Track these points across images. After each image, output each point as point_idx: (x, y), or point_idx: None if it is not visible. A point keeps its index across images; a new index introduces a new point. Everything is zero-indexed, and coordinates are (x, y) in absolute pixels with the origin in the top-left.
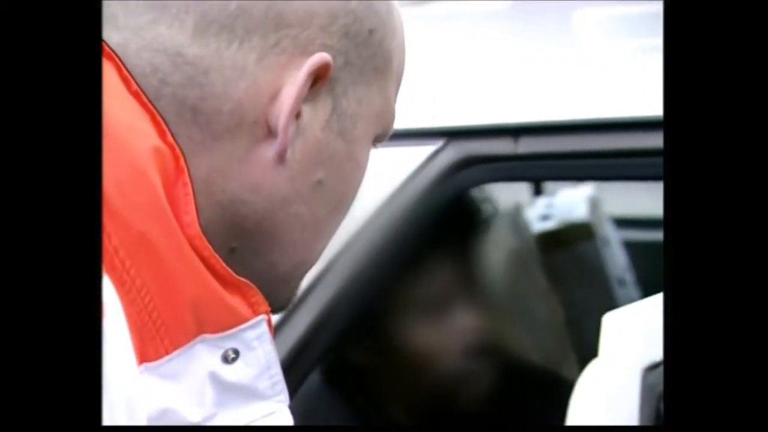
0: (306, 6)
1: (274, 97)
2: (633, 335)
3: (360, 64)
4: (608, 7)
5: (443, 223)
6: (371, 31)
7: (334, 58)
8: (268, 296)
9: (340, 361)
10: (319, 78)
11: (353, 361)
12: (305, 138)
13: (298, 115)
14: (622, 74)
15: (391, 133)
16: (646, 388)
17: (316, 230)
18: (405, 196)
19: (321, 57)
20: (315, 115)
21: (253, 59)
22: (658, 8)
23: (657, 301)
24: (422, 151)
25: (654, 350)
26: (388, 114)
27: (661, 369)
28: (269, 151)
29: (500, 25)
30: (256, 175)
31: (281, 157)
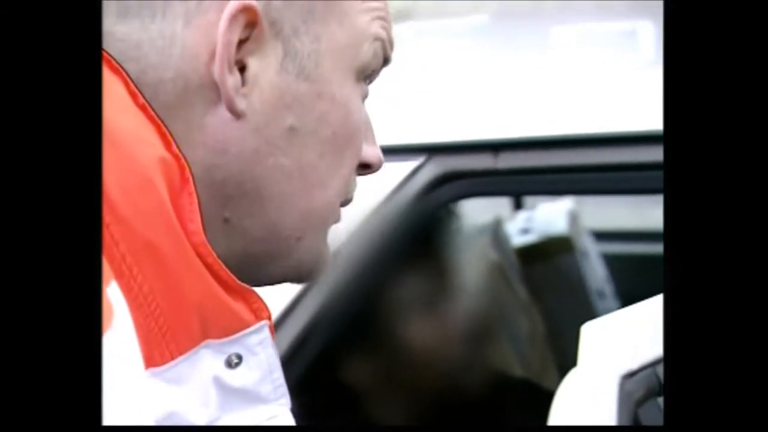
0: None
1: (213, 55)
2: (610, 345)
3: (304, 1)
4: (585, 24)
5: (425, 236)
6: None
7: (267, 0)
8: (290, 262)
9: (325, 374)
10: (252, 24)
11: (337, 374)
12: (260, 87)
13: (244, 68)
14: (599, 90)
15: (379, 63)
16: (623, 396)
17: (307, 177)
18: (388, 211)
19: (236, 2)
20: (265, 62)
21: (180, 25)
22: (635, 26)
23: (633, 311)
24: (404, 167)
25: (631, 359)
26: (363, 43)
27: (637, 377)
28: (224, 110)
29: (479, 41)
30: (219, 137)
31: (234, 111)
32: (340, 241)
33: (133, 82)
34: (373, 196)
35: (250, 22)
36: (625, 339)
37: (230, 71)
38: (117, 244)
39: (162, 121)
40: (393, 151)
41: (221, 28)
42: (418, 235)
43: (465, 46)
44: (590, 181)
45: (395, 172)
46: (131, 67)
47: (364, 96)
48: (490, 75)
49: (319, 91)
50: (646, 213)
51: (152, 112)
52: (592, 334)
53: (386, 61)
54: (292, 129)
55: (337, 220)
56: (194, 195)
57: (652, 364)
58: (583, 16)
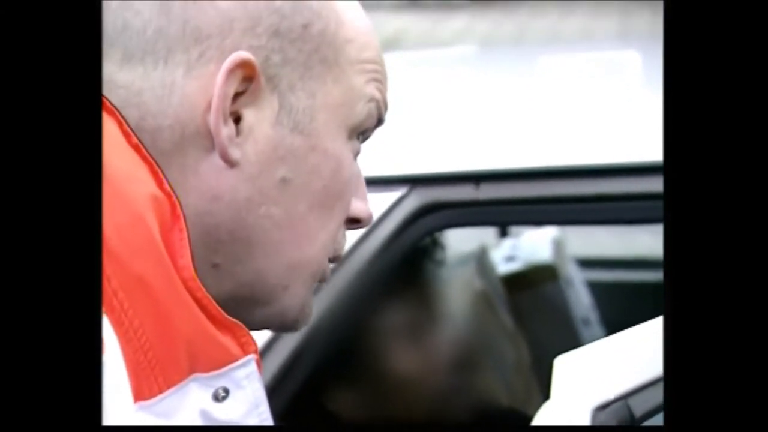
0: (223, 15)
1: (209, 106)
2: (583, 377)
3: (303, 59)
4: (571, 54)
5: (410, 266)
6: (305, 26)
7: (267, 57)
8: (275, 309)
9: (309, 403)
10: (250, 78)
11: (322, 403)
12: (255, 138)
13: (239, 119)
14: (582, 121)
15: (373, 122)
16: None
17: (297, 228)
18: (372, 241)
19: (236, 56)
20: (261, 115)
21: (180, 74)
22: (620, 56)
23: (607, 343)
24: (387, 198)
25: (603, 391)
26: (357, 102)
27: (609, 408)
28: (218, 158)
29: (465, 71)
30: (213, 184)
31: (227, 160)
32: None
33: (126, 123)
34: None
35: (247, 76)
36: (597, 371)
37: (225, 122)
38: (109, 279)
39: (154, 160)
40: (377, 182)
41: (219, 81)
42: (402, 265)
43: (450, 77)
44: (571, 212)
45: (379, 202)
46: (132, 114)
47: (356, 153)
48: (473, 108)
49: (312, 145)
50: (630, 240)
51: (145, 152)
52: (565, 366)
53: (380, 121)
54: (284, 180)
55: (325, 276)
56: (185, 231)
57: (625, 396)
58: (568, 45)
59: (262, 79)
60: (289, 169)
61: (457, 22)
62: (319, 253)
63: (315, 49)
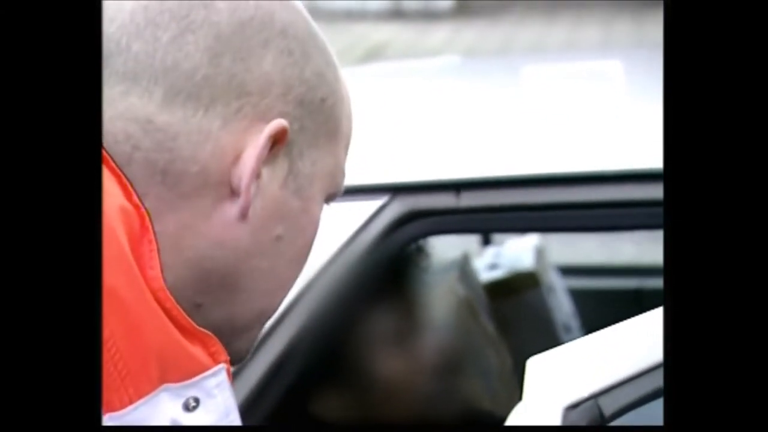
0: (265, 76)
1: (237, 158)
2: (554, 377)
3: (314, 129)
4: (554, 63)
5: (391, 274)
6: (323, 99)
7: (290, 123)
8: (227, 347)
9: (294, 410)
10: (277, 142)
11: (307, 410)
12: (264, 196)
13: (258, 176)
14: (565, 129)
15: (342, 191)
16: (567, 427)
17: (275, 281)
18: (354, 249)
19: (279, 123)
20: (274, 175)
21: (217, 125)
22: (603, 65)
23: (577, 344)
24: (369, 206)
25: (574, 390)
26: (339, 174)
27: (580, 408)
28: (232, 208)
29: (447, 81)
30: (221, 231)
31: (244, 215)
32: (308, 279)
33: None
34: (340, 235)
35: (278, 140)
36: (568, 371)
37: (255, 180)
38: None
39: (122, 173)
40: (358, 191)
41: (261, 143)
42: (384, 272)
43: (433, 87)
44: (552, 219)
45: (361, 210)
46: (163, 157)
47: None
48: (455, 117)
49: (305, 209)
50: (613, 248)
51: (113, 164)
52: (536, 367)
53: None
54: (278, 237)
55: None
56: (154, 243)
57: (595, 396)
58: (552, 55)
59: (284, 144)
60: (284, 227)
61: (441, 32)
62: (281, 302)
63: (324, 121)
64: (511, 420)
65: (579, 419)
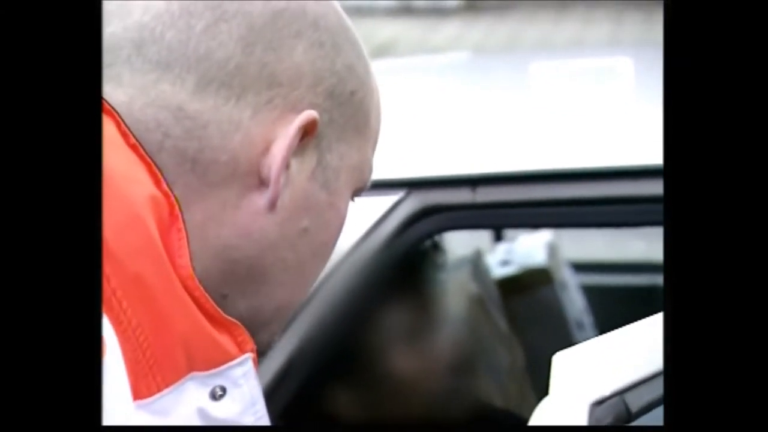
0: (296, 67)
1: (266, 149)
2: (580, 373)
3: (342, 122)
4: (564, 60)
5: (406, 269)
6: (353, 92)
7: (320, 115)
8: (252, 338)
9: (307, 406)
10: (306, 133)
11: (318, 406)
12: (293, 187)
13: (287, 166)
14: (577, 125)
15: (368, 186)
16: (593, 423)
17: (299, 275)
18: (369, 244)
19: (310, 114)
20: (302, 167)
21: (248, 114)
22: (613, 62)
23: (603, 340)
24: (385, 201)
25: (601, 386)
26: (366, 168)
27: (606, 404)
28: (261, 198)
29: (459, 77)
30: (248, 222)
31: (272, 205)
32: (323, 274)
33: (124, 122)
34: (355, 230)
35: (307, 132)
36: (594, 367)
37: (284, 171)
38: (108, 279)
39: (152, 160)
40: (373, 186)
41: (291, 133)
42: (398, 268)
43: (445, 83)
44: (568, 215)
45: (376, 206)
46: (192, 145)
47: None
48: (469, 112)
49: (332, 202)
50: (623, 245)
51: (142, 151)
52: (562, 362)
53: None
54: (305, 230)
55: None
56: (183, 231)
57: (621, 392)
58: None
59: (313, 136)
60: (310, 220)
61: (449, 29)
62: (304, 296)
63: (353, 114)
64: (537, 416)
65: (605, 416)
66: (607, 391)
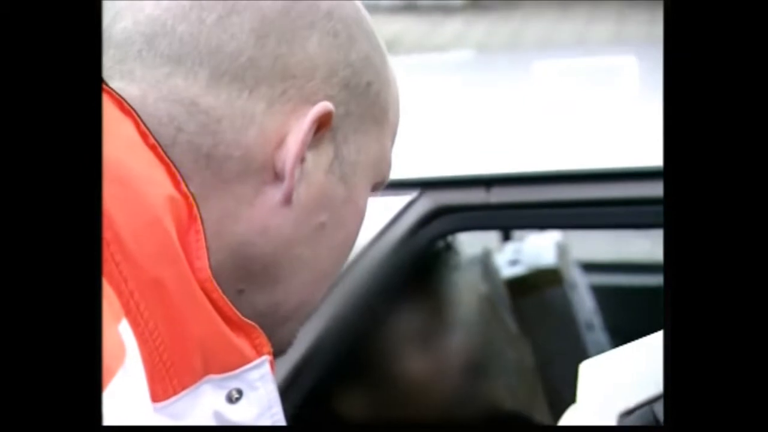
0: (309, 59)
1: (281, 142)
2: (608, 382)
3: (359, 114)
4: (570, 59)
5: (418, 269)
6: (369, 84)
7: (335, 107)
8: (270, 337)
9: (318, 407)
10: (321, 126)
11: (329, 407)
12: (309, 182)
13: (302, 160)
14: (589, 125)
15: (387, 181)
16: None
17: (317, 272)
18: (382, 244)
19: (324, 106)
20: (318, 161)
21: (261, 108)
22: (620, 61)
23: (631, 349)
24: (398, 201)
25: (628, 397)
26: (385, 163)
27: (635, 414)
28: (276, 194)
29: (466, 76)
30: (264, 218)
31: (288, 200)
32: None
33: (143, 123)
34: (368, 230)
35: (322, 124)
36: (623, 377)
37: (299, 165)
38: (126, 281)
39: (171, 161)
40: (387, 186)
41: (305, 126)
42: (412, 269)
43: (449, 81)
44: (582, 216)
45: (390, 206)
46: (206, 141)
47: None
48: (473, 111)
49: (350, 197)
50: (626, 245)
51: (161, 152)
52: (590, 371)
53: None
54: (322, 225)
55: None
56: (201, 233)
57: (650, 402)
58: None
59: (328, 129)
60: (328, 215)
61: (454, 26)
62: (323, 293)
63: (370, 107)
64: (563, 424)
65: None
66: (635, 402)
